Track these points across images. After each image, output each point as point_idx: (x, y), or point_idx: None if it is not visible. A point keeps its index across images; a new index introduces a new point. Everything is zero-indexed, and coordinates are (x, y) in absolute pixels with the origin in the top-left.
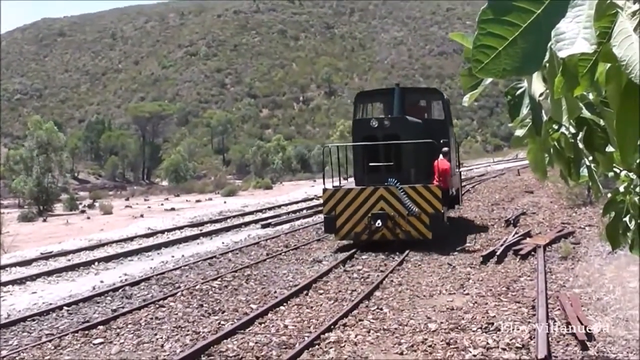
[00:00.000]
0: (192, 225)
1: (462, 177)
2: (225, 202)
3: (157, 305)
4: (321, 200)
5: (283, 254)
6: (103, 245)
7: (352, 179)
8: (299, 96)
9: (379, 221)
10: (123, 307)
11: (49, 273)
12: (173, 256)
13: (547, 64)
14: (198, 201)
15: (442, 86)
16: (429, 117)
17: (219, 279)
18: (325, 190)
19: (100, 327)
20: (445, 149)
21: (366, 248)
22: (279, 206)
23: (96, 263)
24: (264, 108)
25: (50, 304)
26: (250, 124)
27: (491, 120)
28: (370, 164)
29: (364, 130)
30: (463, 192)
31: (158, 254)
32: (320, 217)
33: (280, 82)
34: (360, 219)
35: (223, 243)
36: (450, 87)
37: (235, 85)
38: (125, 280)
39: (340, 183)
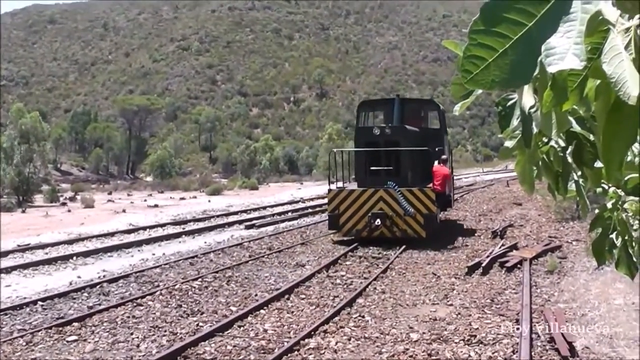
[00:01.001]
0: (175, 223)
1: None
2: (209, 201)
3: (135, 304)
4: (310, 203)
5: (266, 256)
6: (83, 239)
7: (352, 182)
8: (290, 96)
9: (378, 220)
10: (100, 304)
11: (25, 266)
12: (154, 254)
13: (538, 77)
14: (182, 199)
15: (435, 93)
16: (426, 126)
17: (200, 279)
18: (330, 190)
19: (75, 324)
20: (444, 156)
21: (363, 244)
22: (264, 207)
23: (74, 258)
24: (254, 107)
25: (25, 298)
26: (239, 122)
27: (482, 129)
28: (372, 167)
29: (366, 136)
30: (455, 199)
31: (139, 251)
32: (304, 221)
33: (271, 82)
34: (361, 218)
35: (205, 243)
36: (443, 94)
37: (226, 83)
38: (104, 276)
39: (343, 184)
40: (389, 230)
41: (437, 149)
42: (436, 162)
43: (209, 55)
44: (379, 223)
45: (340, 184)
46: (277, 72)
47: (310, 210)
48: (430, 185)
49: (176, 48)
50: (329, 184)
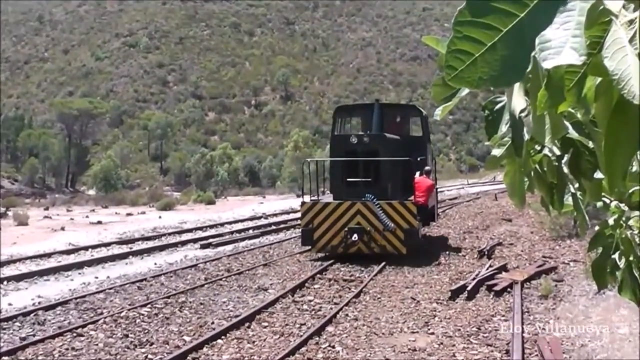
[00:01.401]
0: (121, 242)
1: None
2: (160, 217)
3: (75, 334)
4: (274, 219)
5: (224, 279)
6: (14, 261)
7: (328, 194)
8: (251, 100)
9: (355, 235)
10: (34, 335)
11: None
12: (97, 277)
13: (530, 75)
14: (129, 214)
15: (414, 96)
16: (407, 134)
17: (149, 306)
18: (303, 203)
19: (5, 358)
20: (428, 167)
21: (335, 265)
22: (222, 224)
23: (5, 282)
24: (211, 111)
25: None
26: (194, 128)
27: (467, 136)
28: (349, 179)
29: (343, 145)
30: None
31: (79, 274)
32: (267, 239)
33: (230, 83)
34: (337, 233)
35: (155, 264)
36: (423, 97)
37: (178, 84)
38: (39, 303)
39: (318, 197)
40: (366, 246)
41: (419, 159)
42: (417, 173)
43: (159, 53)
44: (356, 238)
45: (315, 196)
46: (236, 72)
47: (274, 227)
48: (412, 198)
49: (122, 45)
50: (302, 196)
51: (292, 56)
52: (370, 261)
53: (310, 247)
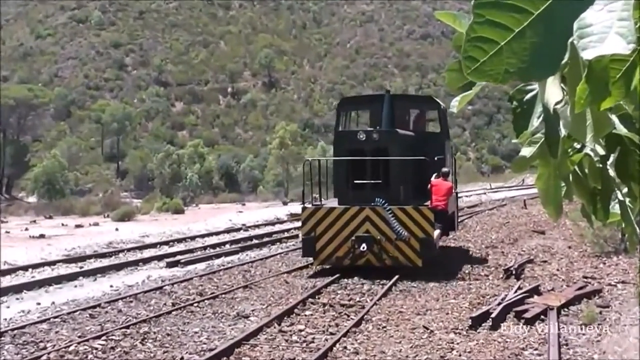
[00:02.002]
0: (69, 260)
1: None
2: (117, 230)
3: None
4: (256, 231)
5: (195, 304)
6: None
7: (332, 198)
8: (227, 87)
9: (363, 245)
10: None
11: None
12: (39, 303)
13: (569, 65)
14: (79, 226)
15: (425, 82)
16: (423, 130)
17: (104, 338)
18: (304, 208)
19: None
20: (446, 169)
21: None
22: (193, 238)
23: None
24: (178, 101)
25: None
26: (158, 121)
27: (489, 130)
28: (356, 181)
29: (349, 143)
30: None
31: (17, 299)
32: (248, 256)
33: (201, 67)
34: (342, 242)
35: (112, 287)
36: (436, 83)
37: (138, 68)
38: None
39: (321, 201)
40: (376, 257)
41: (436, 159)
42: (434, 176)
43: (114, 29)
44: (365, 248)
45: (317, 201)
46: (208, 54)
47: (255, 241)
48: (428, 203)
49: (69, 20)
50: (303, 201)
51: (277, 34)
52: (379, 275)
53: (312, 259)
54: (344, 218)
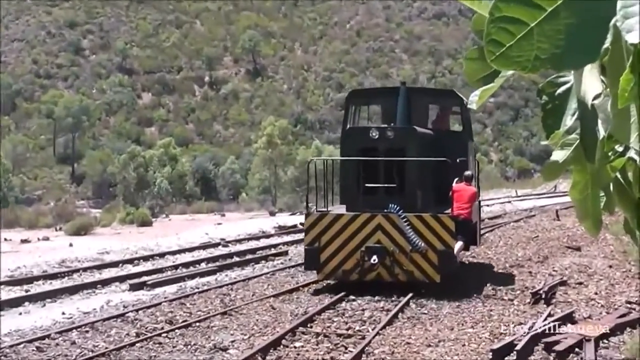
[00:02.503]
0: (13, 282)
1: None
2: (71, 245)
3: None
4: (237, 247)
5: (164, 334)
6: None
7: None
8: (204, 75)
9: (374, 257)
10: None
11: None
12: None
13: (609, 51)
14: (25, 241)
15: (438, 69)
16: (443, 128)
17: None
18: (308, 215)
19: None
20: (469, 172)
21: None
22: (162, 255)
23: None
24: (145, 92)
25: None
26: (121, 116)
27: (515, 127)
28: (367, 184)
29: (360, 141)
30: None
31: None
32: (228, 276)
33: (173, 51)
34: (350, 254)
35: (64, 314)
36: (451, 71)
37: (98, 52)
38: None
39: (326, 207)
40: (388, 271)
41: (458, 161)
42: (455, 180)
43: (69, 6)
44: (376, 261)
45: (323, 207)
46: (182, 36)
47: (236, 259)
48: (448, 211)
49: None
50: (307, 206)
51: (263, 12)
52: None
53: (316, 273)
54: (352, 226)
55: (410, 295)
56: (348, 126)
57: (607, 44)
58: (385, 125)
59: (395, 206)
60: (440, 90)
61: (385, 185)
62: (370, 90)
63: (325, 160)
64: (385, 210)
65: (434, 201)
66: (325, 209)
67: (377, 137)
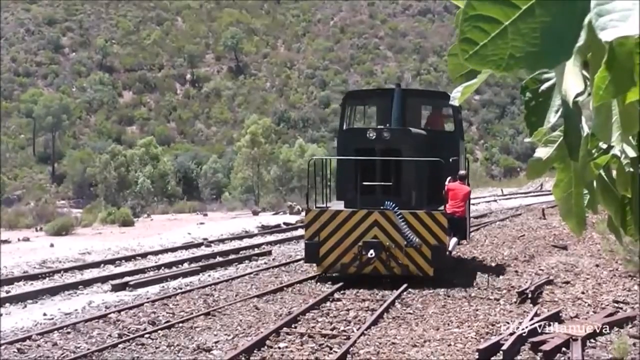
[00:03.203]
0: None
1: None
2: (52, 246)
3: None
4: (220, 246)
5: (147, 335)
6: None
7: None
8: (186, 73)
9: (371, 251)
10: None
11: None
12: None
13: (591, 49)
14: (5, 242)
15: (423, 67)
16: (435, 128)
17: None
18: (308, 211)
19: None
20: (463, 172)
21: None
22: (144, 255)
23: None
24: (126, 90)
25: None
26: (102, 115)
27: (501, 125)
28: (365, 182)
29: (357, 141)
30: None
31: None
32: (211, 276)
33: (154, 48)
34: (348, 248)
35: (45, 315)
36: (436, 68)
37: (78, 50)
38: None
39: (325, 204)
40: (385, 265)
41: (451, 160)
42: (449, 179)
43: (48, 3)
44: (373, 255)
45: (322, 204)
46: (163, 33)
47: (219, 259)
48: (441, 208)
49: None
50: (307, 203)
51: (246, 9)
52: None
53: (316, 266)
54: (350, 222)
55: (395, 294)
56: (345, 126)
57: (580, 42)
58: (382, 127)
59: (391, 203)
60: (434, 91)
61: (382, 183)
62: (366, 91)
63: (323, 159)
64: (382, 207)
65: (428, 199)
66: (325, 206)
67: (374, 137)
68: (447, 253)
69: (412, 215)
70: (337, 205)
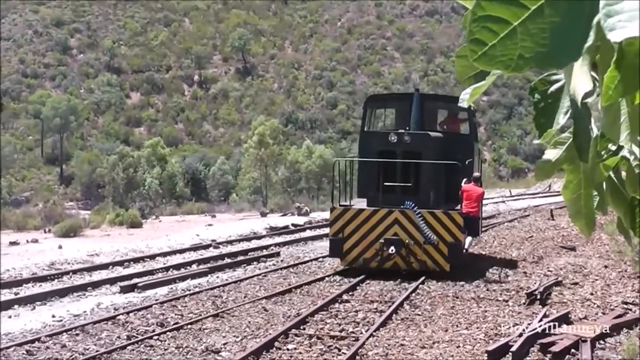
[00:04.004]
0: (1, 285)
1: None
2: (60, 247)
3: None
4: (229, 248)
5: (156, 337)
6: None
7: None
8: (193, 74)
9: (392, 247)
10: None
11: None
12: None
13: (600, 49)
14: (14, 244)
15: (430, 67)
16: (452, 131)
17: None
18: (333, 209)
19: None
20: (477, 174)
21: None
22: (152, 257)
23: None
24: (134, 91)
25: None
26: (110, 116)
27: (509, 126)
28: (386, 183)
29: (379, 144)
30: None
31: None
32: (220, 278)
33: (162, 50)
34: (370, 244)
35: (54, 317)
36: (444, 69)
37: (86, 51)
38: None
39: (349, 202)
40: (404, 260)
41: (467, 162)
42: (464, 180)
43: (56, 5)
44: (394, 251)
45: (345, 202)
46: (170, 34)
47: (228, 260)
48: (458, 207)
49: None
50: (332, 201)
51: (253, 10)
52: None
53: (340, 260)
54: (372, 220)
55: (404, 296)
56: (366, 128)
57: (589, 42)
58: (403, 131)
59: (411, 203)
60: (450, 96)
61: (402, 184)
62: (386, 95)
63: (349, 161)
64: (402, 207)
65: (445, 199)
66: (348, 204)
67: (395, 141)
68: (464, 251)
69: (430, 214)
70: (359, 203)
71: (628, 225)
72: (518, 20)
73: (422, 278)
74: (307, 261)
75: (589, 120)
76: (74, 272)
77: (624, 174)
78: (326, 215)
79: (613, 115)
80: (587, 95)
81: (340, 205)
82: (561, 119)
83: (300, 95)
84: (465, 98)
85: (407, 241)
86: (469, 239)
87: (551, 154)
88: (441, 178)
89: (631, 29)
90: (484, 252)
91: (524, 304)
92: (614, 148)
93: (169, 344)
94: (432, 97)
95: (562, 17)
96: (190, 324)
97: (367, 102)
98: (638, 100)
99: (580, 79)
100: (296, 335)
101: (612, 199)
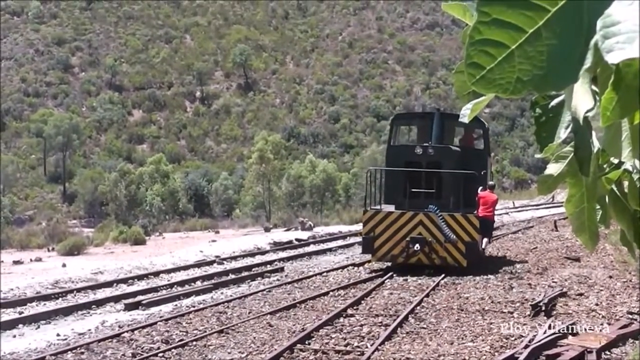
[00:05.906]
0: (5, 305)
1: None
2: (64, 266)
3: None
4: (232, 264)
5: (160, 354)
6: None
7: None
8: (195, 90)
9: (417, 245)
10: None
11: None
12: None
13: (600, 68)
14: (17, 262)
15: (432, 80)
16: (468, 146)
17: None
18: (365, 211)
19: None
20: (492, 182)
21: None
22: (157, 274)
23: None
24: (136, 108)
25: None
26: (112, 134)
27: (511, 138)
28: (412, 189)
29: (406, 155)
30: None
31: None
32: (224, 294)
33: (163, 66)
34: (398, 242)
35: (58, 335)
36: (445, 82)
37: (87, 69)
38: None
39: (380, 206)
40: (427, 257)
41: (482, 173)
42: (480, 188)
43: (57, 23)
44: (418, 248)
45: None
46: (171, 51)
47: (232, 276)
48: (475, 211)
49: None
50: (365, 205)
51: (254, 26)
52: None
53: (371, 256)
54: (400, 221)
55: (408, 309)
56: (392, 142)
57: (587, 65)
58: (427, 144)
59: (434, 207)
60: None
61: (426, 190)
62: (410, 114)
63: (381, 170)
64: (426, 210)
65: (463, 204)
66: (379, 207)
67: (420, 153)
68: (481, 250)
69: (450, 217)
70: (387, 207)
71: (631, 238)
72: (515, 43)
73: (442, 276)
74: (312, 276)
75: (590, 134)
76: (78, 290)
77: (626, 187)
78: (330, 229)
79: (614, 133)
80: (589, 111)
81: (371, 209)
82: (562, 133)
83: (302, 110)
84: (466, 113)
85: (429, 240)
86: (485, 240)
87: (553, 168)
88: (460, 185)
89: (630, 50)
90: (488, 264)
91: (529, 315)
92: (616, 162)
93: None
94: (450, 116)
95: (559, 40)
96: (195, 340)
97: (393, 120)
98: (638, 120)
99: (581, 94)
100: (301, 350)
101: (615, 212)
